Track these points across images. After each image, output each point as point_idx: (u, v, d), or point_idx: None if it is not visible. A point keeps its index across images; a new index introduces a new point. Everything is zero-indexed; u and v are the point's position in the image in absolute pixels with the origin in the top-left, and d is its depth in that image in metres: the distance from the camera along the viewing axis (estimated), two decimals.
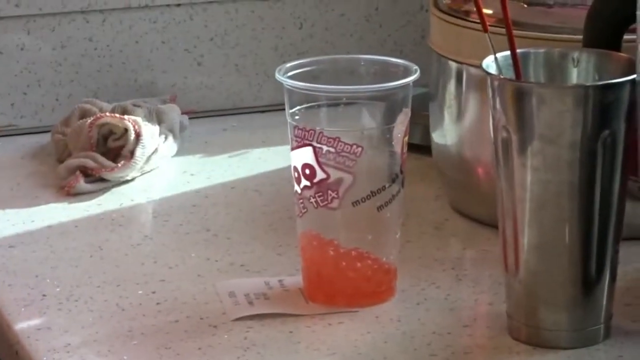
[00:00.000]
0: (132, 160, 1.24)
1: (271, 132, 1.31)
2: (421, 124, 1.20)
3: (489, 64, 0.94)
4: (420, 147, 1.20)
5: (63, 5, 1.36)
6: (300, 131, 0.97)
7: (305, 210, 0.98)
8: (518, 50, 0.95)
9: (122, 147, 1.25)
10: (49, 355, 0.93)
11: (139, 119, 1.27)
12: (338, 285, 0.99)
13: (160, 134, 1.28)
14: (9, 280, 1.05)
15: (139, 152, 1.24)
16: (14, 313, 1.00)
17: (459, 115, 1.14)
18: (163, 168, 1.28)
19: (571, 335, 0.94)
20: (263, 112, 1.41)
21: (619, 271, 0.94)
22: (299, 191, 0.98)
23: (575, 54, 0.97)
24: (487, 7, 0.99)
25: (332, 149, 0.96)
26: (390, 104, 0.98)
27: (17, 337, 0.97)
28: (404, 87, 0.98)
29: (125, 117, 1.26)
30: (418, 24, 1.40)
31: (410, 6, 1.44)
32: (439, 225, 1.15)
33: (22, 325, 0.98)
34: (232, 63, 1.42)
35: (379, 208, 0.98)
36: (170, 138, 1.30)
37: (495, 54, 0.94)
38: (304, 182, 0.98)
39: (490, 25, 0.95)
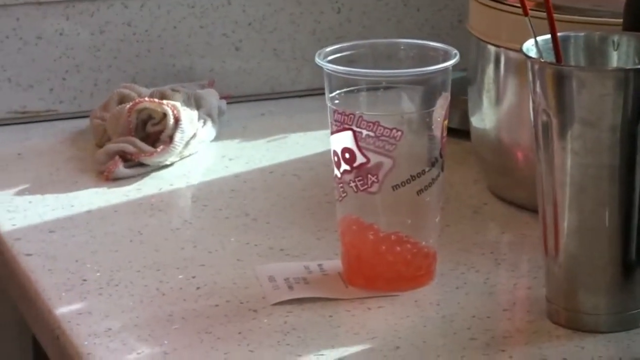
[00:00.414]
0: (171, 145, 1.24)
1: (309, 117, 1.32)
2: (460, 108, 1.20)
3: (529, 47, 0.94)
4: (459, 131, 1.20)
5: None
6: (340, 115, 0.97)
7: (345, 194, 0.98)
8: (558, 34, 0.95)
9: (161, 131, 1.24)
10: (89, 340, 0.93)
11: (177, 104, 1.27)
12: (377, 269, 1.00)
13: (198, 118, 1.28)
14: (49, 265, 1.05)
15: (177, 136, 1.24)
16: (55, 298, 1.00)
17: (498, 99, 1.14)
18: (202, 153, 1.28)
19: (611, 319, 0.94)
20: (301, 96, 1.41)
21: None
22: (339, 175, 0.98)
23: (616, 38, 0.97)
24: None
25: (371, 133, 0.96)
26: (429, 88, 0.98)
27: (58, 321, 0.97)
28: (444, 71, 0.98)
29: (164, 102, 1.26)
30: (455, 8, 1.40)
31: None
32: (477, 209, 1.16)
33: (63, 310, 0.98)
34: (270, 47, 1.42)
35: (419, 192, 0.98)
36: (209, 123, 1.30)
37: (535, 38, 0.94)
38: (344, 167, 0.98)
39: (530, 9, 0.95)
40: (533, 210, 0.98)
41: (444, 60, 0.98)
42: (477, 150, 1.19)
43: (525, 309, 0.99)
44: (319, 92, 1.02)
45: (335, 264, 1.02)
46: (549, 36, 0.94)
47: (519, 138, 1.12)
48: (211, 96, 1.33)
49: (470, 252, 1.06)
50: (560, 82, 0.91)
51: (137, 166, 1.23)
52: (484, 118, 1.16)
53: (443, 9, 1.44)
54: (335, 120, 0.97)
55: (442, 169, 0.99)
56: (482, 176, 1.19)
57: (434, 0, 1.45)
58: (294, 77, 1.42)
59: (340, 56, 1.00)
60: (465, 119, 1.20)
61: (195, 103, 1.30)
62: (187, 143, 1.25)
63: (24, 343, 1.37)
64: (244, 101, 1.40)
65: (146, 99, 1.27)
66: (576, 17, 1.06)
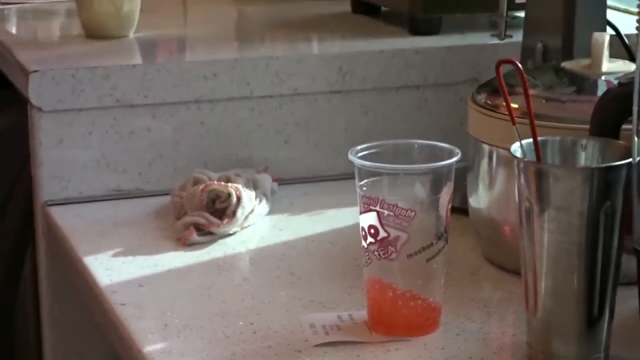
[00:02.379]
0: (234, 219, 1.24)
1: (342, 197, 1.29)
2: (461, 191, 1.18)
3: (515, 149, 0.94)
4: (460, 209, 1.19)
5: (180, 96, 1.37)
6: (366, 199, 0.97)
7: (370, 261, 0.99)
8: (539, 138, 0.95)
9: (226, 208, 1.24)
10: None
11: (239, 186, 1.27)
12: (395, 319, 0.99)
13: (256, 197, 1.28)
14: (139, 314, 1.06)
15: (239, 212, 1.24)
16: (143, 339, 1.00)
17: (491, 185, 1.14)
18: (258, 224, 1.27)
19: None
20: (335, 180, 1.40)
21: (616, 311, 0.94)
22: (365, 246, 0.98)
23: (584, 141, 0.97)
24: (514, 102, 0.99)
25: (391, 213, 0.96)
26: (437, 178, 0.98)
27: (146, 359, 0.97)
28: (448, 165, 0.98)
29: (229, 184, 1.27)
30: (458, 113, 1.38)
31: (452, 99, 1.44)
32: (474, 271, 1.15)
33: (149, 349, 0.99)
34: (312, 142, 1.42)
35: (428, 260, 0.98)
36: (264, 201, 1.30)
37: (520, 141, 0.94)
38: (370, 239, 0.98)
39: (517, 117, 0.95)
40: (518, 274, 0.97)
41: (449, 157, 0.98)
42: (474, 225, 1.18)
43: (510, 352, 0.99)
44: (350, 177, 1.00)
45: (362, 314, 1.02)
46: (531, 140, 0.94)
47: (507, 217, 1.10)
48: (266, 179, 1.33)
49: (468, 306, 1.06)
50: (540, 177, 0.91)
51: (207, 235, 1.22)
52: (480, 200, 1.15)
53: (449, 114, 1.43)
54: (363, 203, 0.97)
55: (447, 242, 0.99)
56: (477, 246, 1.18)
57: (441, 107, 1.44)
58: (330, 165, 1.42)
59: (368, 153, 1.00)
60: (465, 200, 1.19)
61: (253, 185, 1.30)
62: (247, 217, 1.25)
63: None
64: (291, 183, 1.39)
65: (215, 182, 1.27)
66: (553, 124, 1.05)
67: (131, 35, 1.52)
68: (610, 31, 1.26)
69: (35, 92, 1.33)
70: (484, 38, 1.49)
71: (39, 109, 1.34)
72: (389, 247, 0.97)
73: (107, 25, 1.51)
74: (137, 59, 1.45)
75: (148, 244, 1.23)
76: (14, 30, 1.63)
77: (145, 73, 1.36)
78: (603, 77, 1.13)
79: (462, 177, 1.15)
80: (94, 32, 1.51)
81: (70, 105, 1.34)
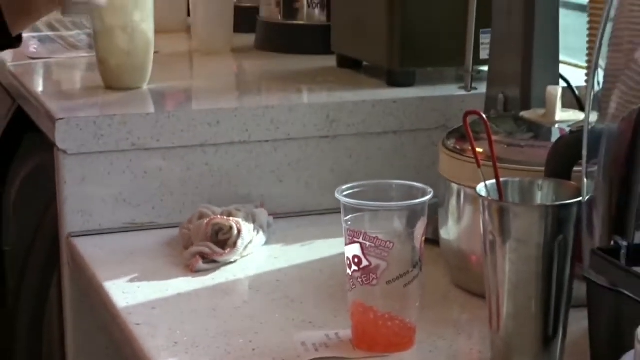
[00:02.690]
0: (235, 248, 1.24)
1: (330, 229, 1.28)
2: (433, 224, 1.17)
3: (481, 188, 0.95)
4: (432, 240, 1.18)
5: (188, 140, 1.37)
6: (351, 232, 0.98)
7: (354, 286, 0.99)
8: (501, 179, 0.96)
9: (228, 239, 1.24)
10: None
11: (240, 220, 1.27)
12: (376, 338, 1.00)
13: (254, 229, 1.28)
14: (152, 332, 1.06)
15: (240, 242, 1.24)
16: (156, 355, 1.01)
17: (459, 220, 1.14)
18: (256, 254, 1.27)
19: None
20: (323, 214, 1.40)
21: (569, 331, 0.95)
22: (350, 273, 0.99)
23: (540, 182, 0.98)
24: (479, 147, 1.00)
25: (372, 244, 0.97)
26: (412, 214, 0.98)
27: None
28: (422, 203, 0.98)
29: (231, 218, 1.26)
30: (430, 156, 1.37)
31: (425, 143, 1.44)
32: (445, 296, 1.15)
33: None
34: (303, 181, 1.42)
35: (405, 285, 0.98)
36: (261, 232, 1.30)
37: (485, 182, 0.95)
38: (354, 267, 0.98)
39: (482, 161, 0.96)
40: (483, 297, 0.97)
41: (423, 196, 0.98)
42: (444, 255, 1.18)
43: None
44: (336, 212, 1.00)
45: (347, 333, 1.02)
46: (494, 181, 0.95)
47: (474, 248, 1.10)
48: (262, 214, 1.33)
49: (440, 326, 1.05)
50: (502, 213, 0.92)
51: (212, 263, 1.22)
52: (450, 233, 1.15)
53: (422, 156, 1.43)
54: (348, 236, 0.98)
55: (421, 269, 0.99)
56: (448, 273, 1.18)
57: (416, 151, 1.44)
58: (319, 201, 1.41)
59: (352, 192, 1.00)
60: (437, 232, 1.18)
61: (252, 218, 1.30)
62: (246, 247, 1.25)
63: None
64: (284, 217, 1.39)
65: (218, 216, 1.27)
66: (513, 167, 1.05)
67: (145, 86, 1.52)
68: (562, 84, 1.26)
69: (61, 137, 1.34)
70: (453, 90, 1.49)
71: (64, 152, 1.34)
72: (371, 274, 0.97)
73: (124, 78, 1.51)
74: (150, 108, 1.45)
75: (160, 271, 1.22)
76: (41, 82, 1.63)
77: (157, 120, 1.37)
78: (556, 126, 1.13)
79: (434, 212, 1.15)
80: (112, 84, 1.51)
81: (91, 149, 1.34)
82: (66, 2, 1.74)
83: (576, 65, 1.60)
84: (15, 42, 1.49)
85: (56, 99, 1.46)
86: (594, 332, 0.91)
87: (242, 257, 1.26)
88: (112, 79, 1.52)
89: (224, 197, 1.38)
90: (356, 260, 0.98)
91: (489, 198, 0.94)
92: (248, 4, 1.93)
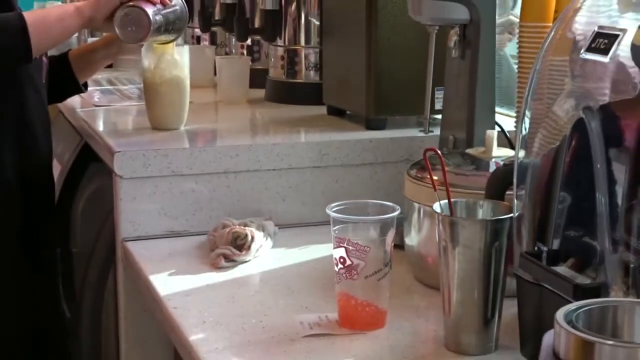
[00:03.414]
0: (250, 251, 1.23)
1: (322, 237, 1.27)
2: (399, 233, 1.16)
3: (436, 206, 0.95)
4: (399, 246, 1.15)
5: (214, 169, 1.36)
6: (338, 239, 0.98)
7: (340, 280, 0.99)
8: (452, 200, 0.96)
9: (244, 244, 1.24)
10: (207, 354, 0.95)
11: (253, 229, 1.26)
12: (356, 319, 1.00)
13: (264, 236, 1.28)
14: (185, 314, 1.06)
15: (253, 246, 1.24)
16: (189, 331, 1.01)
17: (419, 230, 1.13)
18: (265, 255, 1.27)
19: (478, 349, 0.95)
20: (317, 225, 1.38)
21: (503, 315, 0.95)
22: (337, 270, 0.99)
23: (481, 202, 0.98)
24: (435, 175, 0.99)
25: (354, 248, 0.97)
26: (384, 225, 0.99)
27: (191, 344, 0.98)
28: (392, 217, 0.99)
29: (246, 228, 1.26)
30: (397, 182, 1.35)
31: (393, 172, 1.43)
32: (408, 288, 1.14)
33: (194, 338, 1.00)
34: (301, 200, 1.41)
35: (379, 280, 0.98)
36: (269, 239, 1.29)
37: (439, 202, 0.95)
38: (340, 266, 0.98)
39: (437, 186, 0.96)
40: (437, 289, 0.97)
41: (392, 212, 0.99)
42: (408, 256, 1.17)
43: (432, 342, 0.99)
44: (327, 224, 1.00)
45: (334, 315, 1.02)
46: (446, 201, 0.95)
47: (430, 251, 1.10)
48: (270, 225, 1.32)
49: (404, 310, 1.05)
50: (452, 226, 0.92)
51: (231, 262, 1.22)
52: (412, 239, 1.15)
53: (391, 182, 1.42)
54: (335, 241, 0.98)
55: (391, 267, 0.99)
56: (410, 270, 1.17)
57: (387, 178, 1.43)
58: (313, 215, 1.40)
59: (338, 208, 1.00)
60: (402, 239, 1.17)
61: (262, 228, 1.29)
62: (257, 250, 1.25)
63: (168, 353, 1.37)
64: (287, 228, 1.38)
65: (237, 226, 1.27)
66: (460, 190, 1.05)
67: (182, 128, 1.52)
68: (497, 129, 1.26)
69: (118, 165, 1.34)
70: (415, 132, 1.48)
71: (120, 177, 1.34)
72: (352, 271, 0.98)
73: (166, 121, 1.51)
74: (186, 144, 1.44)
75: (192, 267, 1.22)
76: (102, 124, 1.64)
77: (191, 153, 1.36)
78: (493, 160, 1.13)
79: (400, 224, 1.14)
80: (156, 126, 1.51)
81: (141, 174, 1.34)
82: (116, 59, 1.75)
83: (508, 115, 1.60)
84: (82, 88, 1.50)
85: (114, 137, 1.46)
86: (522, 316, 0.91)
87: (254, 257, 1.25)
88: (157, 122, 1.51)
89: (241, 211, 1.37)
90: (342, 260, 0.98)
91: (443, 214, 0.94)
92: (260, 67, 1.93)
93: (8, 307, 1.36)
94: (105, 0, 1.30)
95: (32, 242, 1.38)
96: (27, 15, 1.26)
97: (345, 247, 0.97)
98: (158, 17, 1.34)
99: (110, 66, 2.18)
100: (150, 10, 1.32)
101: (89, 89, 1.63)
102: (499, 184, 1.00)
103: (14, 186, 1.34)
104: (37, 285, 1.39)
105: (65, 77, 1.47)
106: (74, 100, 1.76)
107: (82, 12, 1.29)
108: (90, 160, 1.65)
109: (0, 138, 1.32)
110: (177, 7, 1.40)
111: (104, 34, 1.55)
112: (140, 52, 1.49)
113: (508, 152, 1.15)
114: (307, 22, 1.77)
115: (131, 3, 1.31)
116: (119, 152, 1.34)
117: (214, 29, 2.12)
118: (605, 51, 0.81)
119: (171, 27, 1.40)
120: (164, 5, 1.37)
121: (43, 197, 1.40)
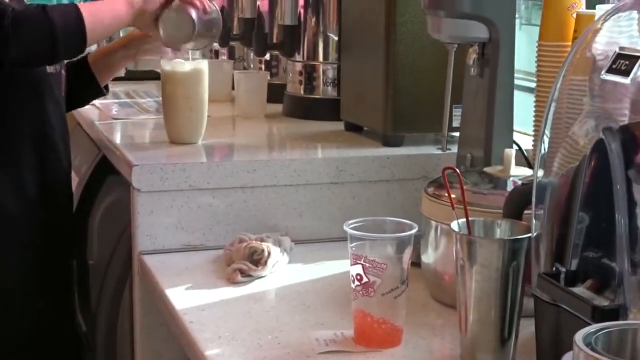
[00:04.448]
0: (266, 266, 1.23)
1: (338, 253, 1.27)
2: (416, 251, 1.15)
3: (454, 225, 0.95)
4: (416, 263, 1.15)
5: (231, 183, 1.36)
6: (355, 256, 0.98)
7: (356, 297, 0.99)
8: (470, 219, 0.96)
9: (260, 258, 1.24)
10: None
11: (269, 244, 1.26)
12: (372, 336, 1.00)
13: (280, 252, 1.28)
14: (202, 329, 1.06)
15: (269, 262, 1.24)
16: (204, 346, 1.01)
17: (436, 248, 1.13)
18: (281, 270, 1.27)
19: None
20: (334, 241, 1.38)
21: (520, 335, 0.95)
22: (353, 287, 0.99)
23: (499, 221, 0.98)
24: (452, 194, 0.99)
25: (371, 265, 0.97)
26: (401, 243, 0.99)
27: (207, 358, 0.98)
28: (409, 235, 0.99)
29: (263, 243, 1.26)
30: (415, 199, 1.36)
31: (410, 189, 1.43)
32: (424, 305, 1.14)
33: (209, 353, 1.00)
34: (318, 216, 1.41)
35: (395, 297, 0.98)
36: (285, 254, 1.29)
37: (457, 220, 0.95)
38: (356, 283, 0.98)
39: (455, 204, 0.96)
40: (454, 308, 0.97)
41: (409, 230, 0.99)
42: (425, 274, 1.16)
43: None
44: (343, 240, 1.00)
45: (350, 332, 1.02)
46: (464, 219, 0.95)
47: (447, 269, 1.09)
48: (287, 240, 1.32)
49: (421, 329, 1.05)
50: (470, 244, 0.92)
51: (248, 277, 1.22)
52: (429, 257, 1.14)
53: (409, 200, 1.42)
54: (352, 258, 0.98)
55: (407, 285, 0.99)
56: (427, 288, 1.17)
57: (404, 195, 1.43)
58: (330, 232, 1.40)
59: (355, 225, 1.00)
60: (419, 257, 1.16)
61: (279, 243, 1.30)
62: (274, 265, 1.25)
63: None
64: (303, 243, 1.38)
65: (253, 241, 1.27)
66: (478, 209, 1.04)
67: (199, 142, 1.52)
68: (515, 147, 1.26)
69: (136, 179, 1.34)
70: (432, 149, 1.48)
71: (138, 190, 1.34)
72: (369, 288, 0.97)
73: (184, 135, 1.51)
74: (203, 158, 1.45)
75: (208, 282, 1.22)
76: (120, 136, 1.64)
77: (209, 167, 1.37)
78: (511, 179, 1.13)
79: (417, 242, 1.14)
80: (174, 140, 1.52)
81: (158, 188, 1.34)
82: (137, 60, 1.77)
83: (525, 133, 1.60)
84: (104, 91, 1.52)
85: (132, 150, 1.46)
86: (539, 337, 0.91)
87: (270, 272, 1.25)
88: (175, 136, 1.52)
89: (258, 226, 1.37)
90: (358, 277, 0.98)
91: (460, 232, 0.94)
92: (278, 82, 1.93)
93: (24, 319, 1.37)
94: None
95: (49, 254, 1.39)
96: (82, 6, 1.28)
97: (362, 264, 0.96)
98: (200, 23, 1.38)
99: (125, 77, 2.18)
100: (195, 15, 1.36)
101: (107, 101, 1.64)
102: (517, 203, 1.00)
103: (35, 201, 1.35)
104: (53, 297, 1.40)
105: (86, 81, 1.49)
106: (92, 113, 1.78)
107: (133, 4, 1.32)
108: (108, 173, 1.66)
109: (21, 152, 1.34)
110: (215, 15, 1.44)
111: (122, 34, 1.55)
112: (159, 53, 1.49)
113: (526, 171, 1.15)
114: (326, 37, 1.77)
115: (178, 6, 1.35)
116: (137, 165, 1.35)
117: (232, 43, 2.13)
118: (626, 72, 0.81)
119: (208, 34, 1.42)
120: (205, 12, 1.38)
121: (62, 210, 1.41)
